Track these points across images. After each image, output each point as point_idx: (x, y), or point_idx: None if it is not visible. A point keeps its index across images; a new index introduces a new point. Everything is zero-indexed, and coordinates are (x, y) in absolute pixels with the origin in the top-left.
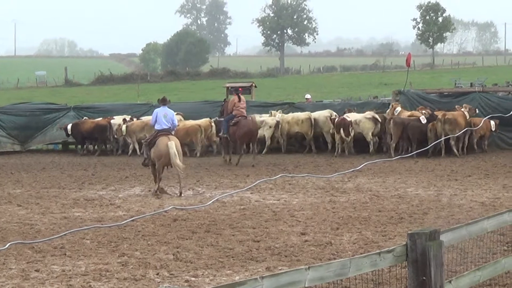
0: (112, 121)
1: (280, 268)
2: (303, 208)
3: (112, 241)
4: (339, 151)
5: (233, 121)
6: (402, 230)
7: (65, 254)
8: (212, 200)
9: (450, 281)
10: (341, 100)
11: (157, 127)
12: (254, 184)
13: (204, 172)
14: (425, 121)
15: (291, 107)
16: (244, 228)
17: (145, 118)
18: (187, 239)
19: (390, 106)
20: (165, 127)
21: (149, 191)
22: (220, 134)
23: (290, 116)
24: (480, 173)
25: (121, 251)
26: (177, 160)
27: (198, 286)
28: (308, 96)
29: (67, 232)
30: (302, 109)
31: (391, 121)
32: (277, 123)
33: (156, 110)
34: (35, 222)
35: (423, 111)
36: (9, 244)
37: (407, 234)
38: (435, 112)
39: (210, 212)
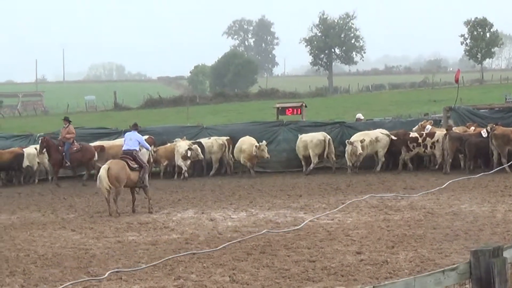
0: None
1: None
2: (358, 227)
3: (167, 264)
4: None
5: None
6: (458, 247)
7: (121, 278)
8: (305, 222)
9: None
10: (392, 118)
11: (123, 147)
12: (345, 204)
13: (257, 193)
14: (486, 135)
15: (342, 126)
16: (299, 248)
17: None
18: (242, 261)
19: (419, 125)
20: (128, 147)
21: (203, 213)
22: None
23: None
24: None
25: (176, 274)
26: (104, 185)
27: None
28: (359, 115)
29: (164, 259)
30: (353, 128)
31: (447, 137)
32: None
33: (126, 133)
34: (89, 247)
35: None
36: (108, 273)
37: (470, 252)
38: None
39: (264, 233)
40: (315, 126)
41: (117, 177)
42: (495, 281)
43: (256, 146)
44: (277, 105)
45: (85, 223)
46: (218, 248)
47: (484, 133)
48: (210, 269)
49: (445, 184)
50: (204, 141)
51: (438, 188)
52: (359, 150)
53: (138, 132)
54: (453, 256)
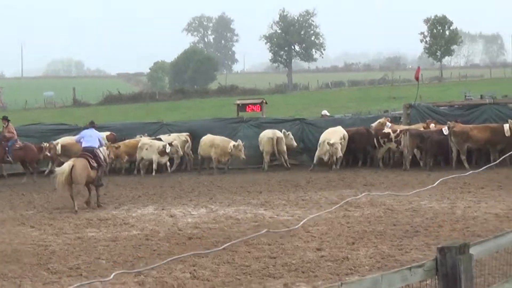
0: None
1: (298, 284)
2: (318, 224)
3: (127, 260)
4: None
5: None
6: (418, 244)
7: (81, 275)
8: (304, 221)
9: None
10: (351, 115)
11: (83, 144)
12: (341, 203)
13: (217, 190)
14: (447, 132)
15: (302, 122)
16: (260, 244)
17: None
18: (203, 257)
19: (381, 120)
20: (90, 144)
21: (163, 209)
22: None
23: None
24: (493, 185)
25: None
26: (61, 179)
27: None
28: (325, 112)
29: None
30: (313, 125)
31: (407, 134)
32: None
33: (84, 131)
34: (49, 243)
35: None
36: (113, 274)
37: (437, 248)
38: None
39: (224, 229)
40: (276, 123)
41: (80, 174)
42: (461, 278)
43: (233, 144)
44: (238, 102)
45: (44, 219)
46: (225, 245)
47: (445, 130)
48: (171, 265)
49: (436, 183)
50: (165, 137)
51: (430, 186)
52: (339, 153)
53: (95, 129)
54: (413, 252)
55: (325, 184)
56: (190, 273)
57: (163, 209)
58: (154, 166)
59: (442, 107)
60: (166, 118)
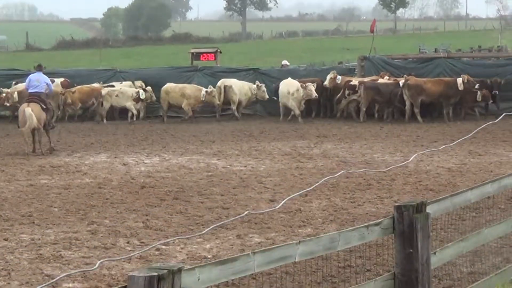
0: None
1: (251, 235)
2: (271, 175)
3: (80, 208)
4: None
5: None
6: (371, 197)
7: (34, 223)
8: (284, 200)
9: (434, 253)
10: (306, 66)
11: (30, 90)
12: (318, 183)
13: (170, 138)
14: (462, 87)
15: (256, 72)
16: (213, 195)
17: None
18: (156, 207)
19: (331, 75)
20: (36, 90)
21: (115, 157)
22: None
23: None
24: (445, 138)
25: (90, 219)
26: (35, 122)
27: (169, 254)
28: (285, 62)
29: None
30: (267, 75)
31: (363, 86)
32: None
33: (30, 75)
34: (1, 190)
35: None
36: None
37: (394, 207)
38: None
39: (177, 179)
40: (230, 72)
41: (39, 118)
42: (418, 236)
43: (206, 91)
44: (192, 51)
45: None
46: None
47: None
48: (124, 214)
49: (472, 133)
50: (117, 85)
51: (463, 138)
52: (314, 94)
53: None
54: (365, 205)
55: (278, 134)
56: (143, 222)
57: (116, 157)
58: (130, 113)
59: (397, 60)
60: (120, 65)
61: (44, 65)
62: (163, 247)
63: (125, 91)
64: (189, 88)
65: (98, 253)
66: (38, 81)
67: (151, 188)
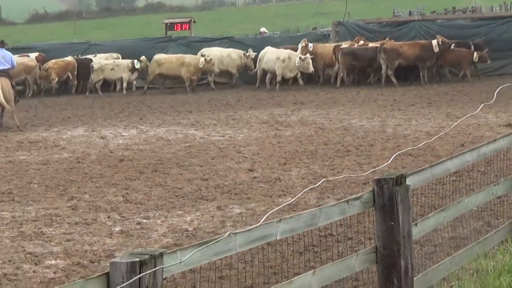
0: None
1: (231, 206)
2: (249, 144)
3: (59, 184)
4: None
5: None
6: (350, 163)
7: (14, 200)
8: (266, 216)
9: (416, 224)
10: (280, 33)
11: None
12: (299, 195)
13: (147, 110)
14: (438, 49)
15: (230, 41)
16: (191, 166)
17: None
18: (135, 180)
19: (302, 43)
20: (4, 67)
21: (93, 131)
22: None
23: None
24: (423, 102)
25: (70, 194)
26: (2, 100)
27: (150, 228)
28: (263, 29)
29: None
30: (242, 43)
31: (340, 52)
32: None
33: None
34: None
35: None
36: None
37: (374, 180)
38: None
39: (155, 151)
40: (204, 41)
41: (9, 93)
42: (398, 209)
43: (205, 59)
44: (166, 21)
45: None
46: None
47: (435, 47)
48: (103, 188)
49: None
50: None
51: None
52: (311, 68)
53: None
54: (345, 172)
55: (255, 103)
56: (122, 196)
57: (93, 131)
58: (125, 84)
59: (371, 24)
60: (94, 37)
61: (19, 39)
62: (144, 220)
63: (120, 63)
64: (188, 57)
65: (79, 229)
66: (4, 57)
67: (129, 161)
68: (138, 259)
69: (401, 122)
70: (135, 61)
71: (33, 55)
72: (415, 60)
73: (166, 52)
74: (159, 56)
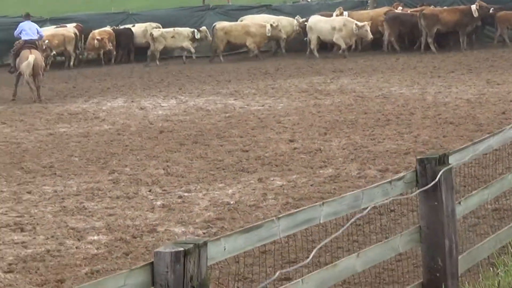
0: None
1: (272, 178)
2: (289, 114)
3: (100, 157)
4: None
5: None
6: (390, 133)
7: (55, 174)
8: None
9: (459, 203)
10: (318, 1)
11: (24, 37)
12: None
13: (186, 79)
14: (477, 14)
15: (268, 8)
16: (232, 137)
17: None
18: (175, 152)
19: (337, 12)
20: (31, 37)
21: (132, 102)
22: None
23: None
24: (462, 68)
25: (110, 167)
26: (38, 71)
27: (192, 201)
28: None
29: None
30: (280, 11)
31: (386, 18)
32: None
33: (21, 24)
34: (21, 141)
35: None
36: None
37: (416, 160)
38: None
39: (195, 121)
40: (242, 10)
41: (41, 65)
42: (442, 188)
43: (271, 25)
44: None
45: (15, 115)
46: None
47: (474, 12)
48: (144, 161)
49: None
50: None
51: None
52: (370, 36)
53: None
54: (386, 142)
55: (294, 71)
56: (163, 169)
57: (133, 101)
58: (185, 53)
59: None
60: (131, 7)
61: (55, 10)
62: (185, 194)
63: (180, 32)
64: (253, 26)
65: (121, 203)
66: (30, 29)
67: (169, 133)
68: (182, 249)
69: (441, 89)
70: (195, 30)
71: (70, 25)
72: (455, 26)
73: (203, 22)
74: (222, 24)
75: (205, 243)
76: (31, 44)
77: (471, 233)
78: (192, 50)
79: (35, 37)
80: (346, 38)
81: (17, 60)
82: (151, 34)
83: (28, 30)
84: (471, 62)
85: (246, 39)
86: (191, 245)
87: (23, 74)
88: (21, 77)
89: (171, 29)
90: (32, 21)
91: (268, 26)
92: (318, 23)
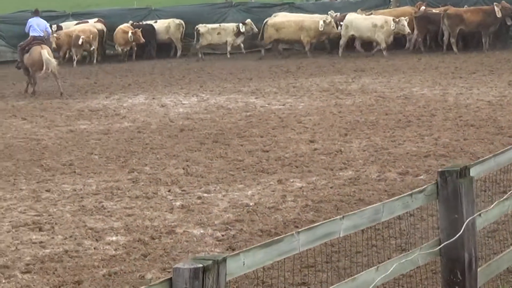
0: None
1: (292, 180)
2: (310, 113)
3: (120, 155)
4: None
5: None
6: (411, 134)
7: (75, 172)
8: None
9: (480, 215)
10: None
11: (32, 33)
12: None
13: (207, 77)
14: (500, 14)
15: (290, 7)
16: (252, 137)
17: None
18: (196, 151)
19: (358, 12)
20: (38, 34)
21: (153, 99)
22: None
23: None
24: (484, 69)
25: (130, 166)
26: (50, 66)
27: (211, 202)
28: None
29: None
30: (302, 9)
31: (416, 17)
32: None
33: (30, 20)
34: (41, 137)
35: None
36: None
37: (437, 172)
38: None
39: (216, 120)
40: (264, 7)
41: (52, 60)
42: (463, 201)
43: (324, 21)
44: None
45: (35, 110)
46: None
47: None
48: (164, 160)
49: None
50: (161, 22)
51: None
52: (407, 29)
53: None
54: (406, 144)
55: (315, 70)
56: (183, 168)
57: (154, 98)
58: (229, 48)
59: None
60: (153, 1)
61: (78, 4)
62: (205, 194)
63: (225, 27)
64: (307, 21)
65: (140, 203)
66: (38, 25)
67: (190, 131)
68: (201, 265)
69: (463, 90)
70: (240, 24)
71: (92, 21)
72: (478, 26)
73: (225, 18)
74: (274, 20)
75: (224, 259)
76: (40, 41)
77: (490, 239)
78: (241, 45)
79: (42, 33)
80: (387, 36)
81: (26, 55)
82: (197, 30)
83: (36, 26)
84: (493, 63)
85: (299, 35)
86: (210, 262)
87: (40, 70)
88: (36, 73)
89: (217, 25)
90: (53, 16)
91: (321, 22)
92: (354, 20)
